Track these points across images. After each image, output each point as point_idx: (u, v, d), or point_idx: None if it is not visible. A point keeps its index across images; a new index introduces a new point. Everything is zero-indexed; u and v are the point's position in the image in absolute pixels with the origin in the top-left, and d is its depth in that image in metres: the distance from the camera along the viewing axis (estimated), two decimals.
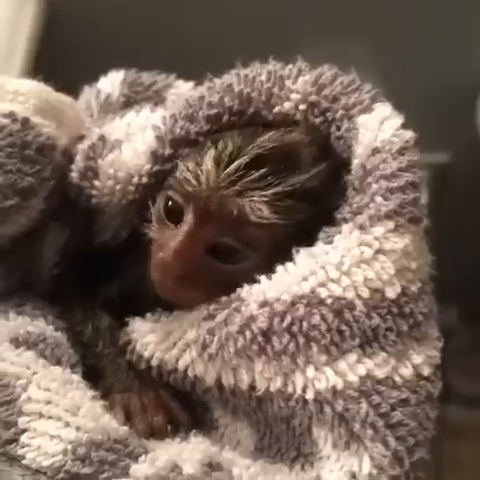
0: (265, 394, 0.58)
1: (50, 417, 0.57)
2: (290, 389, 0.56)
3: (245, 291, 0.58)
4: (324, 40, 1.08)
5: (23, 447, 0.56)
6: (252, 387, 0.58)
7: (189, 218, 0.60)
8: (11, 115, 0.65)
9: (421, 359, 0.56)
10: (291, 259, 0.58)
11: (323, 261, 0.56)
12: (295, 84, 0.64)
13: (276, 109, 0.64)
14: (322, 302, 0.55)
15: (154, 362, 0.63)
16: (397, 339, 0.55)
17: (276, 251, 0.59)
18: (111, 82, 0.78)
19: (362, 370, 0.54)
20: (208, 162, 0.59)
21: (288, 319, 0.55)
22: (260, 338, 0.55)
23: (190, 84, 0.79)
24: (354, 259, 0.55)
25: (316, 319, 0.54)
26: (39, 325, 0.65)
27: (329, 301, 0.55)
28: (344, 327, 0.54)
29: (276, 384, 0.56)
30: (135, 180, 0.66)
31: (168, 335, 0.62)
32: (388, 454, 0.53)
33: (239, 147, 0.59)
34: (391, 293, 0.55)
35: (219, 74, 0.68)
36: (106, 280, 0.72)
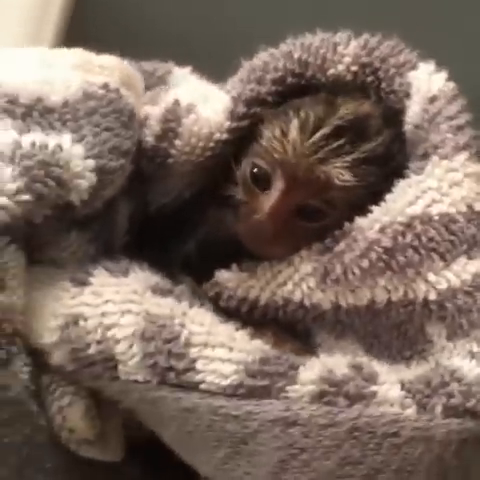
0: (385, 306, 0.68)
1: (214, 345, 0.64)
2: (411, 295, 0.67)
3: (359, 222, 0.68)
4: None
5: (199, 373, 0.63)
6: (372, 301, 0.69)
7: (279, 184, 0.69)
8: (106, 86, 0.72)
9: None
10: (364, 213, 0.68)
11: (423, 187, 0.67)
12: (346, 49, 0.75)
13: (330, 72, 0.75)
14: (432, 219, 0.66)
15: (262, 302, 0.71)
16: None
17: (351, 208, 0.69)
18: None
19: (472, 269, 0.66)
20: (294, 131, 0.68)
21: (409, 236, 0.66)
22: (385, 256, 0.66)
23: (186, 69, 0.88)
24: (449, 182, 0.67)
25: (432, 233, 0.66)
26: (159, 279, 0.72)
27: (437, 218, 0.66)
28: (453, 237, 0.66)
29: (398, 294, 0.67)
30: (216, 136, 0.74)
31: (277, 274, 0.71)
32: None
33: (320, 118, 0.68)
34: (479, 207, 0.68)
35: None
36: (175, 241, 0.80)
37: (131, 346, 0.64)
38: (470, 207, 0.68)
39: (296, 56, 0.75)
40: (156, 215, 0.81)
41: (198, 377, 0.63)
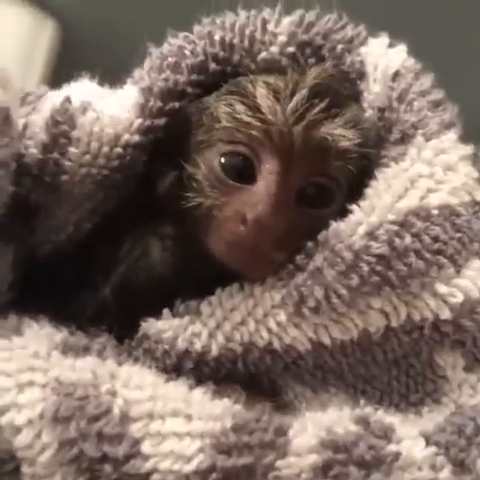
0: (381, 336, 0.51)
1: (164, 415, 0.44)
2: (416, 317, 0.51)
3: (336, 227, 0.51)
4: None
5: (148, 459, 0.43)
6: (364, 332, 0.51)
7: (271, 165, 0.52)
8: None
9: None
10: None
11: (412, 175, 0.52)
12: (279, 27, 0.60)
13: (261, 55, 0.59)
14: (431, 214, 0.51)
15: (214, 352, 0.52)
16: None
17: (350, 191, 0.54)
18: None
19: None
20: (266, 100, 0.53)
21: (407, 237, 0.50)
22: (379, 267, 0.49)
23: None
24: (442, 166, 0.52)
25: (435, 230, 0.50)
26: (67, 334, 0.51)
27: (436, 212, 0.51)
28: (460, 234, 0.51)
29: (400, 317, 0.51)
30: (125, 138, 0.56)
31: (231, 311, 0.52)
32: None
33: (291, 81, 0.54)
34: (478, 196, 0.53)
35: None
36: (80, 290, 0.59)
37: (39, 434, 0.43)
38: (471, 196, 0.53)
39: (218, 37, 0.59)
40: (49, 259, 0.60)
41: (147, 465, 0.43)
